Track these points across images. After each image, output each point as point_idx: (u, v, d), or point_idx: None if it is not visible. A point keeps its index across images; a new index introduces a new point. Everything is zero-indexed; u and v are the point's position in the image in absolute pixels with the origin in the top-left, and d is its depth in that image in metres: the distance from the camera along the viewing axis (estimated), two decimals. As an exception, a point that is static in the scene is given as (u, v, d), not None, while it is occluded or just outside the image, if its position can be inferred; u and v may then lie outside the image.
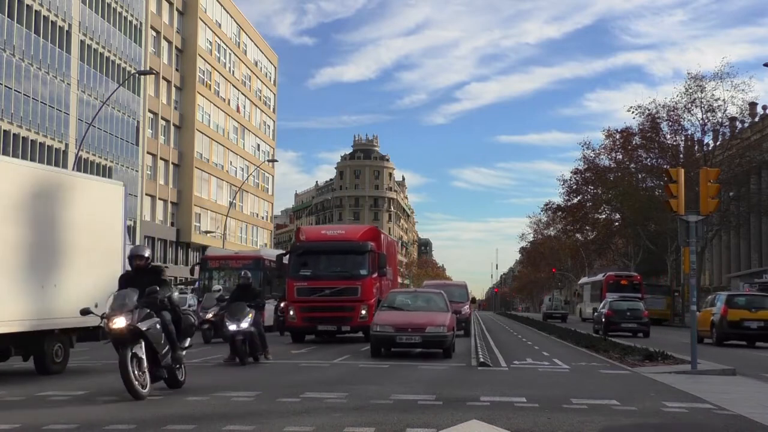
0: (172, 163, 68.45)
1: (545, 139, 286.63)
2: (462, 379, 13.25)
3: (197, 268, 33.18)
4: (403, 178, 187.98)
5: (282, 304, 26.08)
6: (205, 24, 73.02)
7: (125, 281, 10.52)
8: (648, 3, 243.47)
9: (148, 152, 63.46)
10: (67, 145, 50.12)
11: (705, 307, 27.87)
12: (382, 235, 26.45)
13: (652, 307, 42.28)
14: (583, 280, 63.11)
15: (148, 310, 10.02)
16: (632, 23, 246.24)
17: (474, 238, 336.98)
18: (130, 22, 59.40)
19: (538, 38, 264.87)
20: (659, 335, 32.22)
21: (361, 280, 23.11)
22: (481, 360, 16.24)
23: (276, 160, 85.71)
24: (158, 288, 10.15)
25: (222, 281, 30.36)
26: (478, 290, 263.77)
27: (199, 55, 71.16)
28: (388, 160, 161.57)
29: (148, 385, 9.89)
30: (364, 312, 22.55)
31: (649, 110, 51.66)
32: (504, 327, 41.61)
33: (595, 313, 37.41)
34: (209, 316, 23.12)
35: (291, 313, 23.16)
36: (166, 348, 10.30)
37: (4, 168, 12.73)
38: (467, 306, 28.91)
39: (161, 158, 66.34)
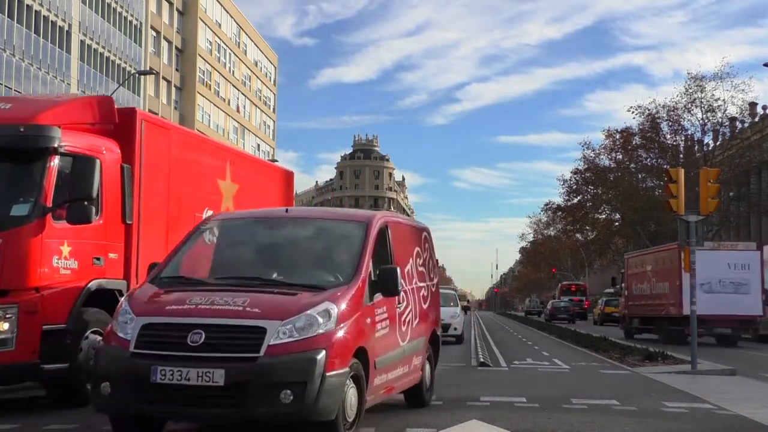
0: (172, 163, 68.38)
1: (545, 139, 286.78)
2: (462, 379, 13.25)
3: None
4: (403, 179, 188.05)
5: None
6: (205, 24, 72.97)
7: None
8: (648, 4, 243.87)
9: (148, 152, 63.39)
10: (67, 145, 50.07)
11: (598, 305, 50.99)
12: (142, 123, 10.22)
13: None
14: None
15: None
16: (632, 24, 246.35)
17: (474, 238, 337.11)
18: (130, 22, 59.37)
19: (539, 39, 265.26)
20: (589, 326, 43.65)
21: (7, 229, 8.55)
22: (481, 360, 16.24)
23: (276, 161, 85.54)
24: None
25: None
26: (478, 290, 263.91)
27: (199, 55, 71.12)
28: (388, 160, 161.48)
29: None
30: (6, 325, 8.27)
31: (649, 110, 51.59)
32: (504, 327, 41.66)
33: (545, 309, 62.66)
34: None
35: None
36: None
37: None
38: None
39: (161, 158, 66.27)
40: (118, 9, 57.42)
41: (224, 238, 8.45)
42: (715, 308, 24.71)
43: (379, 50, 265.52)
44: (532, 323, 45.00)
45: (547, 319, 53.07)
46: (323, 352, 6.38)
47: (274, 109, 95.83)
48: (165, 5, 66.92)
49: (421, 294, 9.34)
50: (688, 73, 63.26)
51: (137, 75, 56.26)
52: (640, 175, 56.32)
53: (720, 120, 50.26)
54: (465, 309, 71.07)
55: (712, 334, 26.10)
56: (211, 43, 74.29)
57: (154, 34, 64.94)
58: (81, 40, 52.38)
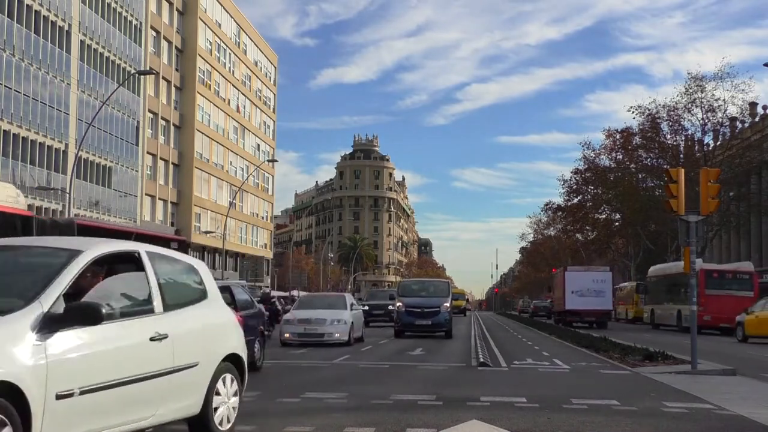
0: (172, 163, 68.41)
1: (545, 139, 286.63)
2: (462, 379, 13.24)
3: None
4: (403, 178, 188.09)
5: None
6: (205, 24, 72.98)
7: None
8: (648, 5, 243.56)
9: (148, 152, 63.43)
10: (67, 145, 50.10)
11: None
12: None
13: None
14: None
15: None
16: (632, 25, 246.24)
17: (474, 238, 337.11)
18: (130, 22, 59.37)
19: (539, 39, 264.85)
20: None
21: None
22: (481, 360, 16.23)
23: (276, 160, 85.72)
24: None
25: None
26: (478, 290, 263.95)
27: (199, 55, 71.12)
28: (388, 160, 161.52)
29: None
30: None
31: (649, 110, 51.64)
32: (503, 326, 41.69)
33: (528, 307, 77.98)
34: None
35: None
36: None
37: None
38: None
39: (161, 158, 66.32)
40: (118, 9, 57.42)
41: None
42: (585, 305, 41.38)
43: (379, 51, 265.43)
44: (530, 323, 45.15)
45: (530, 315, 66.30)
46: None
47: (274, 109, 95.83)
48: (165, 5, 66.92)
49: None
50: (689, 73, 63.35)
51: (137, 75, 56.24)
52: (640, 175, 56.34)
53: (720, 120, 50.29)
54: (463, 311, 69.63)
55: (584, 321, 40.92)
56: (211, 43, 74.30)
57: (154, 34, 64.94)
58: (81, 40, 52.38)
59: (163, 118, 66.35)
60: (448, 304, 26.62)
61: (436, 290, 28.56)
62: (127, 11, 58.64)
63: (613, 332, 31.67)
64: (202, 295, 7.17)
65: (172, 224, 68.71)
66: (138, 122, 60.47)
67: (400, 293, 28.60)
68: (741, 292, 33.88)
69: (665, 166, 45.45)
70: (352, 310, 22.79)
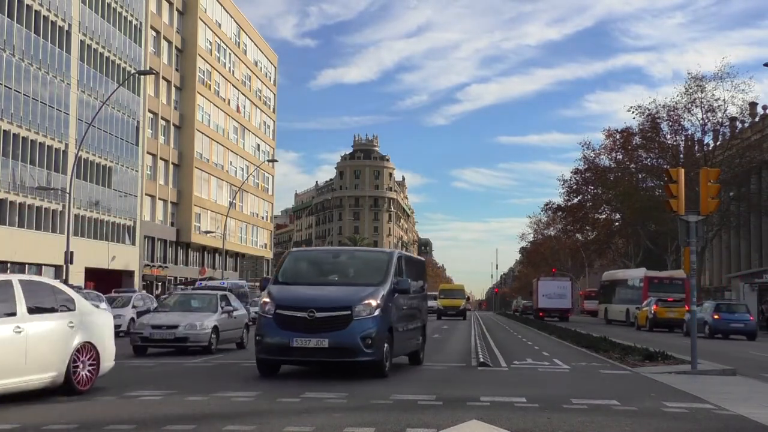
0: (172, 163, 68.41)
1: (545, 139, 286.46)
2: (462, 379, 13.25)
3: None
4: (403, 179, 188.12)
5: None
6: (205, 24, 72.98)
7: None
8: (648, 5, 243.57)
9: (148, 152, 63.43)
10: (67, 145, 50.10)
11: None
12: None
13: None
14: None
15: None
16: (632, 25, 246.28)
17: (474, 238, 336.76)
18: (130, 22, 59.38)
19: (539, 40, 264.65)
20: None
21: None
22: (481, 360, 16.23)
23: (276, 160, 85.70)
24: None
25: None
26: (478, 290, 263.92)
27: (199, 55, 71.11)
28: (388, 160, 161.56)
29: None
30: None
31: (649, 110, 51.68)
32: (503, 326, 41.66)
33: (520, 307, 78.91)
34: None
35: None
36: None
37: None
38: None
39: (161, 158, 66.31)
40: (118, 9, 57.42)
41: None
42: (551, 305, 55.36)
43: (379, 51, 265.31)
44: (526, 322, 45.19)
45: (520, 314, 70.91)
46: None
47: (274, 109, 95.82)
48: (165, 5, 66.93)
49: None
50: (689, 73, 63.46)
51: (137, 75, 56.25)
52: (640, 175, 56.37)
53: (720, 120, 50.32)
54: (462, 312, 65.39)
55: (551, 316, 52.89)
56: (211, 43, 74.29)
57: (154, 34, 64.94)
58: (81, 40, 52.39)
59: (163, 118, 66.35)
60: (375, 302, 12.58)
61: (358, 268, 14.11)
62: (127, 11, 58.64)
63: (572, 324, 42.20)
64: None
65: (172, 224, 68.75)
66: (138, 122, 60.48)
67: (278, 277, 13.72)
68: (675, 294, 40.28)
69: (665, 166, 45.48)
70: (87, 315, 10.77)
